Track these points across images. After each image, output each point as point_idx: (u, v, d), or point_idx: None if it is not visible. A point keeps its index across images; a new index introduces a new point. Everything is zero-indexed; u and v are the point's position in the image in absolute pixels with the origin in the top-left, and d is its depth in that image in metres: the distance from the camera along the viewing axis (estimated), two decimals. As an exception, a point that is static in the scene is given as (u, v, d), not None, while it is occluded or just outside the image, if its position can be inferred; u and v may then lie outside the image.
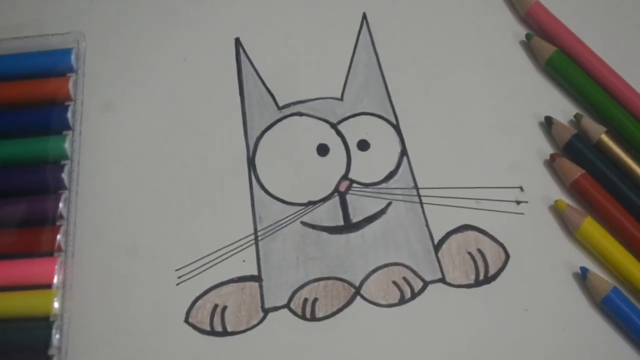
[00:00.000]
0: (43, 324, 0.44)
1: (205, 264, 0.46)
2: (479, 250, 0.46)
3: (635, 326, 0.43)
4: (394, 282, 0.45)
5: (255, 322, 0.45)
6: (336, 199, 0.48)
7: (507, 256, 0.46)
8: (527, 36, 0.51)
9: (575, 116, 0.48)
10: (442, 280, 0.45)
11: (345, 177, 0.48)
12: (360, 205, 0.47)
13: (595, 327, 0.44)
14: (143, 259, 0.46)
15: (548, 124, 0.48)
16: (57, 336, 0.44)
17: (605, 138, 0.47)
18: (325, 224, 0.47)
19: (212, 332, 0.45)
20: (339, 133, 0.49)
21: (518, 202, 0.47)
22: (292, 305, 0.45)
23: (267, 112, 0.50)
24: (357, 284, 0.45)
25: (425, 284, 0.45)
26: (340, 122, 0.50)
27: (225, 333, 0.45)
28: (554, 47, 0.50)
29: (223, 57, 0.52)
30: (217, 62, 0.52)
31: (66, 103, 0.50)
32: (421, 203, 0.47)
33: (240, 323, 0.45)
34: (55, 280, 0.45)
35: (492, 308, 0.44)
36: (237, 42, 0.53)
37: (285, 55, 0.52)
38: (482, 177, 0.48)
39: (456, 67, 0.51)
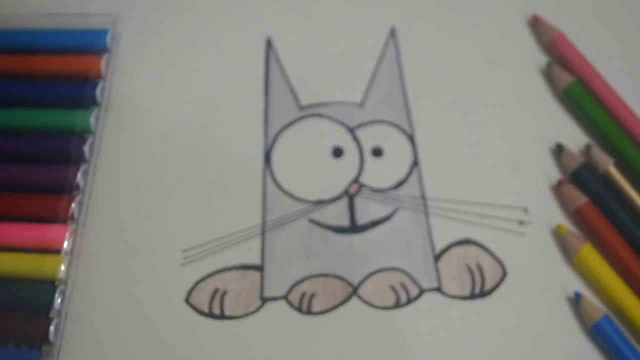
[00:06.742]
0: (48, 287, 0.45)
1: (212, 248, 0.47)
2: (478, 265, 0.46)
3: (622, 355, 0.43)
4: (391, 286, 0.46)
5: (253, 310, 0.46)
6: (345, 201, 0.48)
7: (505, 273, 0.46)
8: (548, 64, 0.52)
9: (586, 145, 0.49)
10: (439, 289, 0.46)
11: (356, 180, 0.49)
12: (368, 209, 0.48)
13: (583, 352, 0.44)
14: (152, 236, 0.48)
15: (559, 150, 0.49)
16: (59, 300, 0.45)
17: (612, 169, 0.47)
18: (332, 223, 0.48)
19: (210, 315, 0.46)
20: (355, 138, 0.50)
21: (521, 222, 0.47)
22: (290, 297, 0.46)
23: (288, 110, 0.51)
24: (355, 284, 0.46)
25: (422, 291, 0.46)
26: (357, 127, 0.51)
27: (222, 317, 0.45)
28: (572, 78, 0.50)
29: (253, 53, 0.54)
30: (247, 58, 0.53)
31: (97, 81, 0.51)
32: (427, 213, 0.48)
33: (238, 308, 0.46)
34: (64, 246, 0.47)
35: (484, 322, 0.45)
36: (269, 40, 0.54)
37: (312, 57, 0.53)
38: (488, 194, 0.48)
39: (476, 87, 0.52)
